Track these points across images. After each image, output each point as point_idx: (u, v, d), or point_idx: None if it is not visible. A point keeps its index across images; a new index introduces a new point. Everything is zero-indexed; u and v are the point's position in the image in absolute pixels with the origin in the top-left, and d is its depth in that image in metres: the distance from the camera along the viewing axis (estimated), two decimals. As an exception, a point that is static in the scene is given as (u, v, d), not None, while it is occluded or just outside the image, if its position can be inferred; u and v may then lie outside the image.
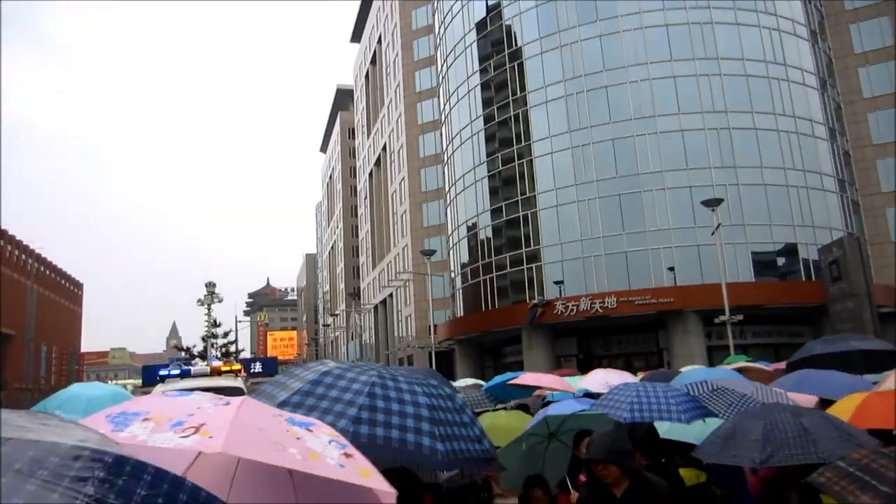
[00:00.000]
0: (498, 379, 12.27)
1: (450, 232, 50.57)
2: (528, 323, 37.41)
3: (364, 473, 2.34)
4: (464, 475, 5.23)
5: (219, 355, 42.55)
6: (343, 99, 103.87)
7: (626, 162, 37.53)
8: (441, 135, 54.02)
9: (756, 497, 5.12)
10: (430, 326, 46.31)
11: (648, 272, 35.84)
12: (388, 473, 2.63)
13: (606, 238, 37.35)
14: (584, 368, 28.44)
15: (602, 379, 10.20)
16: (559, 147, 39.84)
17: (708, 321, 31.69)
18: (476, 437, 3.44)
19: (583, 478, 5.32)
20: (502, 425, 7.49)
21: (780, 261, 36.93)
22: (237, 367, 17.98)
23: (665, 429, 6.24)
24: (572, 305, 36.00)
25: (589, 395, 9.08)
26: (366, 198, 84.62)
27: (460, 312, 47.63)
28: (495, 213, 43.69)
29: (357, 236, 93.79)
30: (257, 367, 38.64)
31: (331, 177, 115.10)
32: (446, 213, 52.31)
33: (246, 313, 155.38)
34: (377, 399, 3.18)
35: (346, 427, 2.99)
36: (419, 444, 3.07)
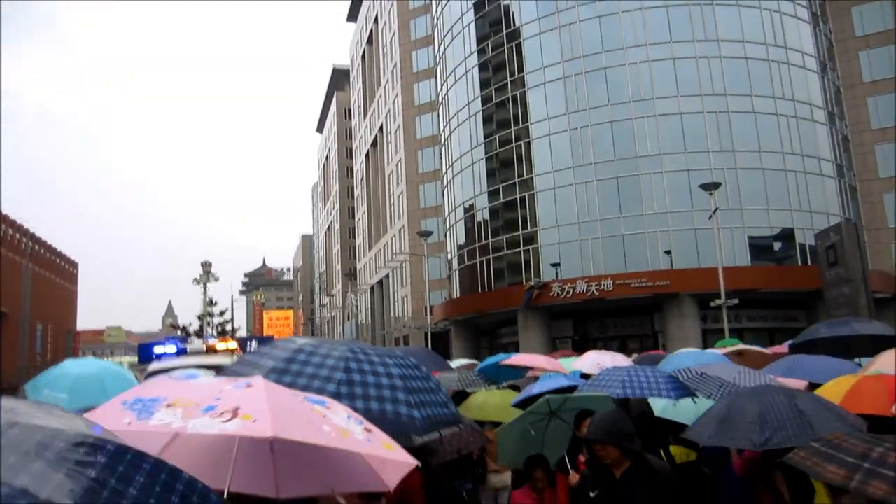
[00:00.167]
0: (490, 360, 12.40)
1: (447, 213, 50.44)
2: (524, 305, 37.45)
3: (387, 446, 2.48)
4: (459, 450, 5.24)
5: (215, 334, 42.62)
6: (339, 79, 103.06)
7: (624, 145, 37.36)
8: (438, 116, 53.68)
9: (741, 477, 5.18)
10: (426, 307, 46.36)
11: (645, 255, 35.83)
12: None
13: (603, 221, 37.28)
14: (579, 350, 28.31)
15: (594, 360, 10.25)
16: (557, 129, 39.62)
17: (704, 305, 31.76)
18: (443, 401, 3.61)
19: (583, 458, 5.32)
20: (496, 403, 7.59)
21: (777, 245, 36.96)
22: (233, 345, 17.93)
23: (660, 409, 6.39)
24: (568, 288, 36.02)
25: (584, 376, 9.06)
26: (362, 179, 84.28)
27: (457, 294, 47.66)
28: (492, 195, 43.55)
29: (353, 217, 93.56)
30: (253, 346, 38.67)
31: (327, 157, 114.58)
32: (443, 195, 52.14)
33: (242, 293, 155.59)
34: (353, 373, 3.27)
35: None
36: (398, 412, 3.18)
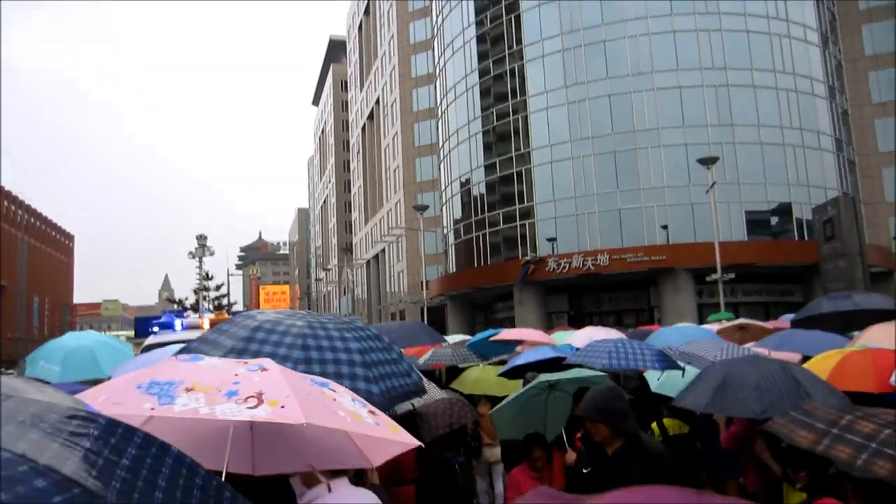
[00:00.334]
0: (480, 335, 12.42)
1: (443, 187, 50.19)
2: (520, 280, 37.42)
3: (393, 428, 2.51)
4: (451, 423, 5.24)
5: (211, 308, 42.66)
6: (336, 51, 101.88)
7: (622, 119, 37.06)
8: (435, 89, 53.13)
9: (728, 451, 5.24)
10: (422, 282, 46.36)
11: (641, 230, 35.75)
12: None
13: (600, 195, 37.11)
14: (575, 325, 28.52)
15: (588, 335, 10.22)
16: (555, 103, 39.26)
17: (699, 279, 31.76)
18: (405, 371, 3.56)
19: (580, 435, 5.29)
20: (491, 378, 7.68)
21: (774, 220, 36.89)
22: (229, 319, 17.85)
23: (656, 384, 6.51)
24: (564, 262, 35.98)
25: (579, 351, 9.04)
26: (358, 152, 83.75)
27: (452, 268, 47.61)
28: (489, 169, 43.29)
29: (350, 191, 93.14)
30: (249, 321, 38.68)
31: (323, 130, 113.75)
32: (440, 169, 51.82)
33: (238, 267, 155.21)
34: (311, 350, 3.22)
35: None
36: (355, 388, 3.12)
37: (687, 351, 6.71)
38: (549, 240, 38.62)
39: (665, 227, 35.42)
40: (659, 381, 6.65)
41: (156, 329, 14.45)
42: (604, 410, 3.88)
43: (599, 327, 11.99)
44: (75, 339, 8.17)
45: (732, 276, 27.76)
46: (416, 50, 62.14)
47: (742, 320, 12.19)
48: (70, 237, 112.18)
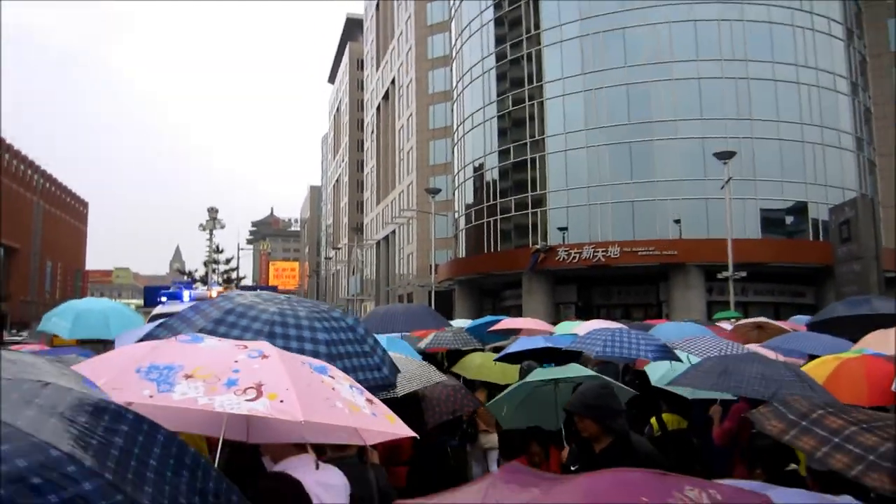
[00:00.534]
0: (477, 322, 12.65)
1: (456, 171, 49.89)
2: (529, 268, 37.20)
3: (391, 419, 2.48)
4: (454, 411, 5.34)
5: (220, 281, 42.89)
6: (353, 29, 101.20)
7: (639, 109, 36.51)
8: (451, 71, 52.62)
9: (721, 446, 5.29)
10: (431, 265, 46.22)
11: (654, 223, 35.34)
12: None
13: (613, 186, 36.70)
14: (583, 316, 28.36)
15: (593, 327, 10.13)
16: (571, 90, 38.75)
17: (710, 276, 31.38)
18: (376, 364, 3.52)
19: None
20: (494, 365, 7.64)
21: (789, 219, 36.35)
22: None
23: (656, 377, 6.54)
24: (575, 253, 35.69)
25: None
26: (372, 132, 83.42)
27: (462, 253, 47.45)
28: (503, 154, 42.92)
29: (362, 171, 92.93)
30: (258, 295, 38.85)
31: (338, 109, 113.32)
32: (453, 152, 51.49)
33: (249, 241, 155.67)
34: (276, 338, 3.19)
35: None
36: None
37: (685, 347, 6.71)
38: (561, 229, 38.30)
39: (678, 221, 34.98)
40: (660, 375, 6.59)
41: (164, 299, 14.53)
42: (593, 406, 3.84)
43: (605, 321, 11.90)
44: (90, 303, 8.64)
45: (744, 274, 27.38)
46: (433, 31, 61.52)
47: (761, 319, 11.97)
48: (84, 204, 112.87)
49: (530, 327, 11.44)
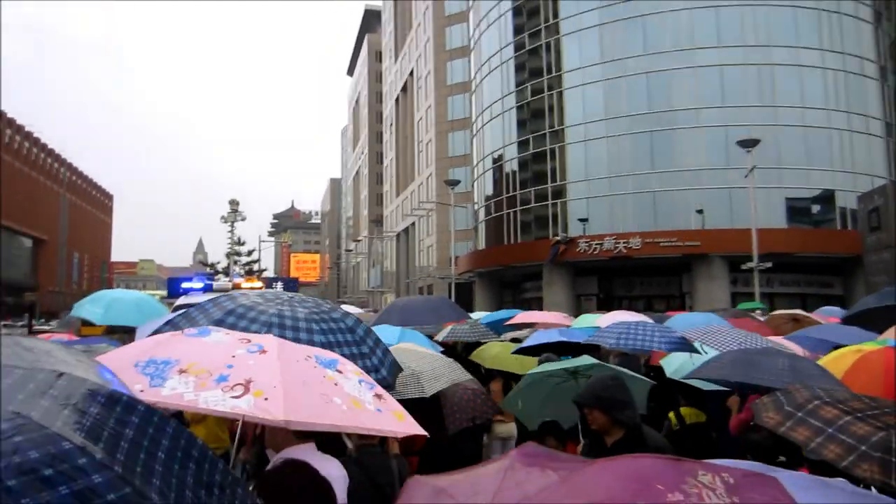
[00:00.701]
0: (492, 316, 12.83)
1: (475, 163, 49.65)
2: (549, 259, 36.93)
3: (398, 416, 2.42)
4: (473, 419, 5.33)
5: (242, 272, 43.29)
6: (371, 20, 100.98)
7: (660, 97, 35.97)
8: (470, 62, 52.28)
9: (737, 437, 5.25)
10: (451, 258, 46.08)
11: (676, 213, 34.85)
12: None
13: (634, 176, 36.25)
14: (604, 308, 28.07)
15: (614, 320, 10.00)
16: (591, 79, 38.28)
17: (734, 267, 30.88)
18: (374, 366, 3.53)
19: None
20: (512, 356, 7.62)
21: (815, 208, 35.65)
22: (259, 284, 18.06)
23: (671, 370, 6.47)
24: (595, 244, 35.35)
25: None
26: (391, 124, 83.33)
27: (482, 245, 47.28)
28: (522, 145, 42.60)
29: (382, 163, 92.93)
30: (278, 286, 39.20)
31: (357, 101, 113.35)
32: (472, 144, 51.23)
33: (270, 234, 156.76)
34: None
35: None
36: None
37: (703, 339, 6.55)
38: (581, 220, 37.94)
39: (700, 211, 34.46)
40: (675, 368, 6.49)
41: (186, 288, 14.73)
42: (602, 398, 3.84)
43: (626, 312, 11.72)
44: (121, 292, 9.10)
45: (769, 264, 26.89)
46: (451, 22, 61.14)
47: (798, 311, 11.72)
48: (109, 196, 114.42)
49: (546, 321, 11.32)
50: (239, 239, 44.81)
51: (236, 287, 18.38)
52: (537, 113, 41.56)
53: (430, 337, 8.52)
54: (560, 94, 40.11)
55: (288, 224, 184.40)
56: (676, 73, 35.56)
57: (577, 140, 38.85)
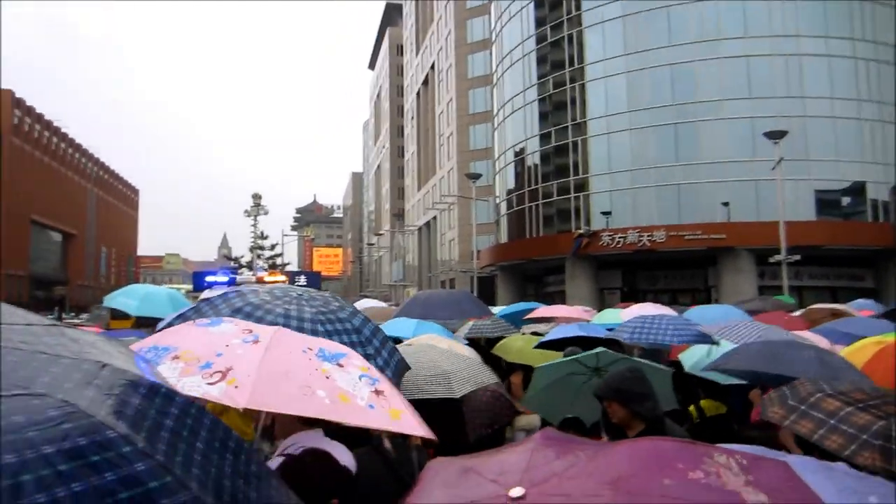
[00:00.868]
0: (510, 309, 12.90)
1: (496, 156, 49.47)
2: (572, 253, 36.70)
3: (394, 414, 2.35)
4: (492, 425, 5.21)
5: (265, 266, 43.67)
6: (392, 14, 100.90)
7: (684, 89, 35.47)
8: (491, 55, 52.03)
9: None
10: (473, 251, 45.97)
11: (700, 206, 34.39)
12: None
13: (658, 169, 35.84)
14: (628, 302, 27.80)
15: (636, 313, 9.93)
16: (613, 71, 37.87)
17: (762, 260, 30.43)
18: (379, 366, 3.48)
19: None
20: (535, 350, 7.61)
21: (845, 200, 34.96)
22: (282, 278, 18.21)
23: (690, 364, 6.41)
24: (619, 237, 35.04)
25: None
26: (413, 118, 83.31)
27: (504, 239, 47.13)
28: (544, 138, 42.33)
29: (403, 157, 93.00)
30: (301, 280, 39.43)
31: (378, 95, 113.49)
32: (493, 137, 51.03)
33: (293, 228, 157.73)
34: None
35: None
36: None
37: (722, 334, 6.51)
38: (604, 213, 37.62)
39: (726, 204, 33.95)
40: (693, 362, 6.42)
41: (211, 282, 14.87)
42: (620, 390, 3.82)
43: (648, 304, 11.60)
44: (155, 288, 9.43)
45: (798, 257, 26.43)
46: (472, 14, 60.90)
47: (838, 306, 11.52)
48: (136, 191, 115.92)
49: (565, 315, 11.23)
50: (262, 233, 45.30)
51: (259, 281, 18.51)
52: (559, 105, 41.25)
53: (453, 332, 8.49)
54: (582, 86, 39.76)
55: (310, 218, 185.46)
56: (701, 64, 35.05)
57: (600, 133, 38.50)
